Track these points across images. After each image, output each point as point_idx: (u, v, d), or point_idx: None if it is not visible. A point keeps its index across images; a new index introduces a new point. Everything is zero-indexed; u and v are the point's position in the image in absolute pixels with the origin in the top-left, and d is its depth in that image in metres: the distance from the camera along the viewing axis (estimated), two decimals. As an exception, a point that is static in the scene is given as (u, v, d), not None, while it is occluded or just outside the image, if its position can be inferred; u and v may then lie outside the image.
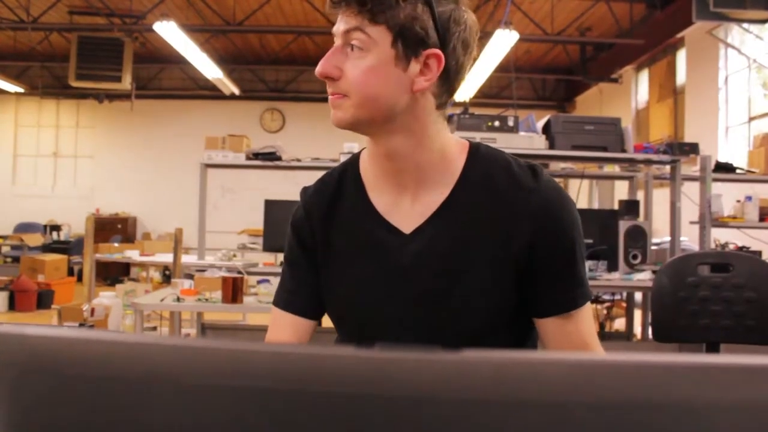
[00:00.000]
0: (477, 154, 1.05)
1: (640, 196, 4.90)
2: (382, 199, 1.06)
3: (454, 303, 1.01)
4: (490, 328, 1.03)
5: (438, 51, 0.97)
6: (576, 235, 1.02)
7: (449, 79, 1.00)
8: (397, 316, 1.03)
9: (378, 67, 0.96)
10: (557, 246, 1.00)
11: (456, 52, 0.99)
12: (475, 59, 1.05)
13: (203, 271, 3.89)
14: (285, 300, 1.12)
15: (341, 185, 1.10)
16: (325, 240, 1.08)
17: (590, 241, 3.98)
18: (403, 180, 1.04)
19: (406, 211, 1.04)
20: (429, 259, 1.02)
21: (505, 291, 1.01)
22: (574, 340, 1.02)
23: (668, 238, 4.33)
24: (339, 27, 0.97)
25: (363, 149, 1.12)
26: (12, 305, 6.91)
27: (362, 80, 0.96)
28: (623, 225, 3.95)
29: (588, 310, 1.04)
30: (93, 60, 8.17)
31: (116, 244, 9.09)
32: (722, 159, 5.19)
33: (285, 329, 1.10)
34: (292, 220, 1.13)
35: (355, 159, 1.12)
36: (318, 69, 0.97)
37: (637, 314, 5.02)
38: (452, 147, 1.05)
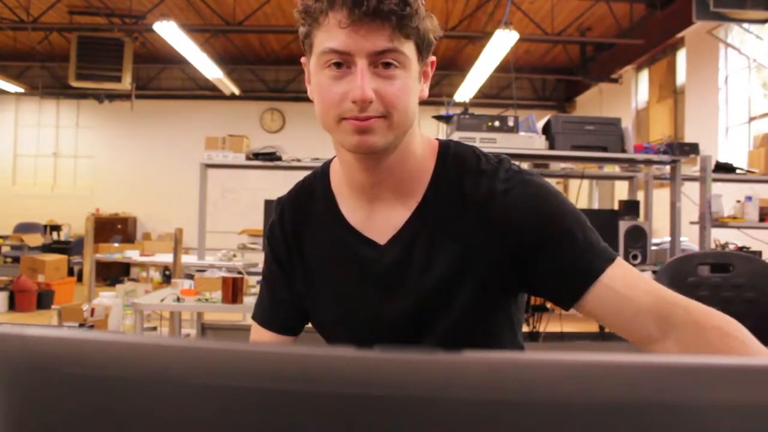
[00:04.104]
0: (446, 154, 1.02)
1: (640, 196, 4.90)
2: (355, 211, 1.03)
3: (435, 310, 0.99)
4: (473, 329, 1.01)
5: (434, 57, 0.96)
6: (557, 205, 0.96)
7: None
8: (384, 329, 1.02)
9: (410, 84, 0.92)
10: (546, 234, 0.94)
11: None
12: None
13: (203, 271, 3.90)
14: (262, 316, 1.12)
15: (312, 199, 1.07)
16: (299, 256, 1.07)
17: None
18: (378, 192, 1.01)
19: (379, 221, 1.02)
20: (405, 268, 0.99)
21: (487, 292, 0.98)
22: (632, 293, 0.89)
23: (668, 239, 4.33)
24: (361, 45, 0.88)
25: (332, 159, 1.09)
26: (12, 305, 6.91)
27: (401, 99, 0.91)
28: (623, 225, 3.95)
29: (621, 264, 0.92)
30: (93, 60, 8.18)
31: (116, 244, 9.09)
32: (722, 159, 5.19)
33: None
34: (267, 234, 1.11)
35: (324, 171, 1.09)
36: (361, 95, 0.88)
37: (637, 314, 5.01)
38: (425, 148, 1.03)
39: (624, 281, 0.91)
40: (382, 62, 0.89)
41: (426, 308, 1.00)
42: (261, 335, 1.11)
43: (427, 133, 1.07)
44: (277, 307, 1.11)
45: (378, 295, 1.01)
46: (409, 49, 0.91)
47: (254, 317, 1.13)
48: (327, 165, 1.10)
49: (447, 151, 1.03)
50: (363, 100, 0.89)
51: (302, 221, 1.07)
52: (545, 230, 0.94)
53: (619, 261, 0.93)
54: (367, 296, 1.02)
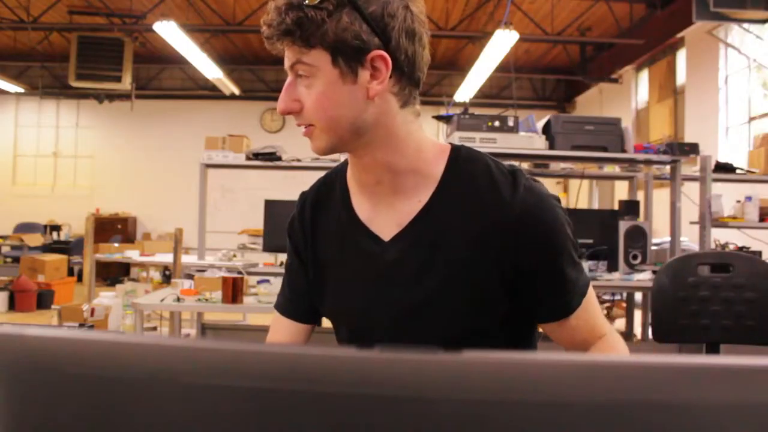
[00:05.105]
0: (458, 158, 1.03)
1: (640, 196, 4.90)
2: (364, 205, 1.06)
3: (435, 310, 1.00)
4: (476, 334, 1.02)
5: (380, 51, 0.94)
6: (561, 240, 0.99)
7: (405, 73, 0.97)
8: (382, 324, 1.04)
9: (327, 91, 0.95)
10: (541, 254, 0.99)
11: (401, 44, 0.95)
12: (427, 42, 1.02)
13: (203, 271, 3.89)
14: (282, 305, 1.18)
15: (331, 193, 1.12)
16: (314, 247, 1.11)
17: (590, 241, 3.98)
18: (380, 190, 1.04)
19: (385, 218, 1.04)
20: (407, 266, 1.01)
21: (487, 298, 0.99)
22: (581, 333, 1.04)
23: (668, 238, 4.33)
24: (285, 63, 0.98)
25: None
26: (12, 305, 6.91)
27: (317, 107, 0.96)
28: (623, 225, 3.95)
29: (588, 301, 1.03)
30: (93, 60, 8.18)
31: (116, 244, 9.09)
32: (722, 159, 5.19)
33: (282, 332, 1.17)
34: (287, 227, 1.16)
35: (344, 166, 1.12)
36: (278, 107, 0.98)
37: (637, 314, 5.02)
38: (429, 149, 1.03)
39: (581, 321, 1.03)
40: (299, 76, 0.96)
41: (423, 308, 1.01)
42: (281, 323, 1.17)
43: (427, 135, 1.08)
44: (295, 297, 1.15)
45: (378, 290, 1.03)
46: (313, 57, 0.94)
47: (275, 306, 1.19)
48: (346, 161, 1.13)
49: (458, 155, 1.04)
50: (280, 112, 0.99)
51: (319, 215, 1.11)
52: (545, 261, 1.00)
53: (588, 295, 1.04)
54: (367, 291, 1.04)
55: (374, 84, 0.95)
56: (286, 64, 0.97)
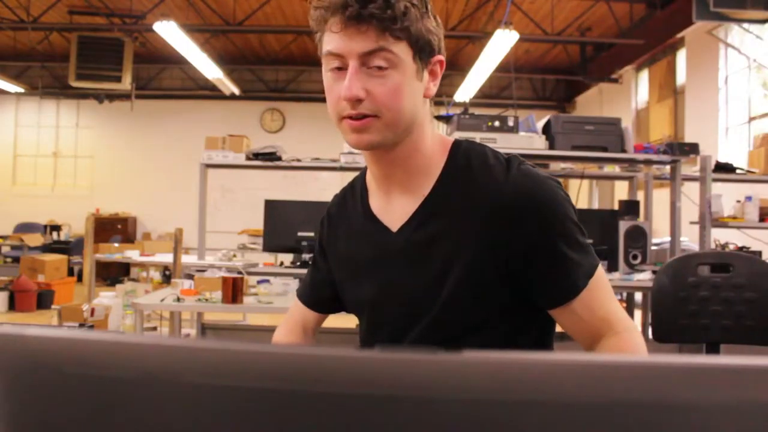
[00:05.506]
0: (457, 151, 1.07)
1: (640, 196, 4.90)
2: (377, 200, 1.11)
3: (438, 300, 1.02)
4: (477, 327, 1.03)
5: (441, 57, 1.02)
6: (558, 221, 0.99)
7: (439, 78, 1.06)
8: (392, 314, 1.08)
9: (405, 84, 0.97)
10: (538, 237, 0.98)
11: (444, 54, 1.04)
12: None
13: (203, 271, 3.89)
14: (302, 293, 1.28)
15: (353, 192, 1.18)
16: (336, 244, 1.17)
17: (590, 241, 3.97)
18: (391, 183, 1.08)
19: (393, 210, 1.09)
20: (410, 255, 1.05)
21: (488, 286, 1.00)
22: (590, 318, 1.00)
23: (668, 238, 4.33)
24: (351, 46, 0.94)
25: None
26: (12, 305, 6.90)
27: (393, 97, 0.96)
28: (623, 225, 3.94)
29: (596, 283, 1.00)
30: (93, 60, 8.18)
31: (116, 244, 9.08)
32: (722, 159, 5.19)
33: (296, 315, 1.27)
34: (319, 225, 1.25)
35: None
36: (347, 93, 0.94)
37: (637, 314, 5.02)
38: (436, 146, 1.07)
39: (589, 304, 1.00)
40: (373, 63, 0.95)
41: (421, 302, 1.03)
42: (297, 307, 1.27)
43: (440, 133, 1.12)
44: (314, 287, 1.25)
45: (383, 283, 1.08)
46: (400, 49, 0.95)
47: (296, 292, 1.30)
48: None
49: (458, 148, 1.08)
50: (349, 98, 0.95)
51: (343, 212, 1.18)
52: (544, 240, 0.99)
53: (596, 277, 1.01)
54: (373, 284, 1.09)
55: (431, 85, 1.02)
56: (358, 48, 0.94)
